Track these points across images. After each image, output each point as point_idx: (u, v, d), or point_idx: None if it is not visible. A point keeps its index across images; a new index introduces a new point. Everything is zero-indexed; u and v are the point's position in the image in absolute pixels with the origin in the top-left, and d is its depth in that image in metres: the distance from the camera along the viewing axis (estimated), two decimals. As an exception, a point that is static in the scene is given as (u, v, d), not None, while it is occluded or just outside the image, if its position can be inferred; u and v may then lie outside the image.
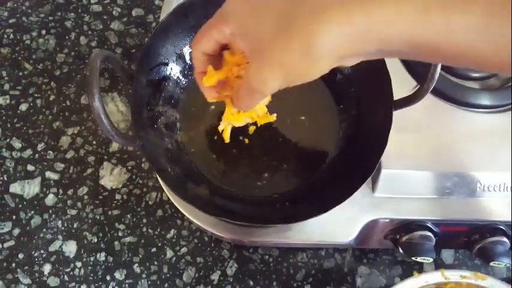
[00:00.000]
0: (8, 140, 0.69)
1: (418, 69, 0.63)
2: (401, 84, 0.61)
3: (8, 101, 0.72)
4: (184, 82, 0.58)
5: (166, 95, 0.56)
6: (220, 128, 0.51)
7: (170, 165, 0.51)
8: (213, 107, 0.58)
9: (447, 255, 0.65)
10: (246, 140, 0.55)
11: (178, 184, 0.49)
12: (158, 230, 0.64)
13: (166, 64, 0.55)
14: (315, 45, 0.29)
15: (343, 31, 0.28)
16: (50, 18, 0.77)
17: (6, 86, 0.73)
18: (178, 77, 0.57)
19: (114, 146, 0.69)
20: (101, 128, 0.41)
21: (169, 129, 0.55)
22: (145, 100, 0.52)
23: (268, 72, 0.32)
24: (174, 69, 0.56)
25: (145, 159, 0.66)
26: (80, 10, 0.78)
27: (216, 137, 0.56)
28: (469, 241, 0.59)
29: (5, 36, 0.76)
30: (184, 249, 0.64)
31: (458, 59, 0.28)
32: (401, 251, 0.57)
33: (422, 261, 0.57)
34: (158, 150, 0.51)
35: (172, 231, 0.64)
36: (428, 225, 0.57)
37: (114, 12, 0.78)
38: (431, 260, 0.57)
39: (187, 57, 0.57)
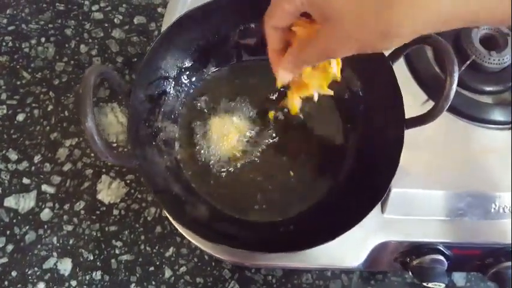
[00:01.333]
0: (3, 152, 0.67)
1: (429, 83, 0.60)
2: (411, 97, 0.59)
3: (4, 111, 0.69)
4: (184, 96, 0.55)
5: (166, 110, 0.53)
6: (288, 101, 0.48)
7: (168, 185, 0.48)
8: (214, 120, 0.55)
9: (458, 277, 0.62)
10: (250, 160, 0.52)
11: (177, 206, 0.46)
12: (157, 247, 0.62)
13: (167, 78, 0.53)
14: (393, 32, 0.29)
15: (428, 20, 0.29)
16: (50, 25, 0.75)
17: (3, 96, 0.70)
18: (178, 91, 0.54)
19: (113, 159, 0.66)
20: (94, 150, 0.38)
21: (169, 146, 0.52)
22: (143, 116, 0.49)
23: (342, 44, 0.32)
24: (174, 83, 0.53)
25: (143, 179, 0.63)
26: (80, 17, 0.76)
27: (216, 156, 0.53)
28: (482, 265, 0.56)
29: (4, 43, 0.74)
30: (183, 269, 0.61)
31: None
32: (411, 275, 0.54)
33: (433, 286, 0.54)
34: (156, 168, 0.48)
35: (171, 250, 0.62)
36: (440, 248, 0.54)
37: (115, 20, 0.75)
38: (443, 285, 0.53)
39: (188, 71, 0.54)
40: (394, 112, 0.47)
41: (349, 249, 0.54)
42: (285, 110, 0.55)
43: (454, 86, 0.43)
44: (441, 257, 0.53)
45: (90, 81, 0.37)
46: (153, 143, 0.50)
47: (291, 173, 0.53)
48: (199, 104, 0.55)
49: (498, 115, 0.60)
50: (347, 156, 0.54)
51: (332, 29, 0.32)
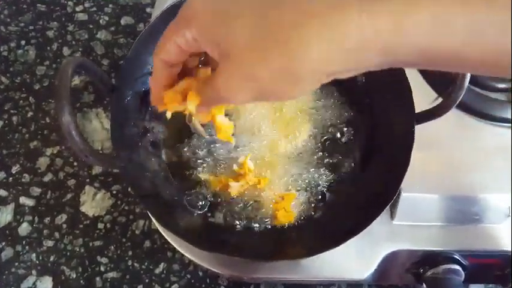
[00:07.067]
0: (-21, 162, 0.65)
1: (438, 79, 0.59)
2: (419, 95, 0.57)
3: (-20, 118, 0.68)
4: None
5: (154, 109, 0.51)
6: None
7: (157, 190, 0.46)
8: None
9: (476, 289, 0.60)
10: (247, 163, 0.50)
11: (166, 213, 0.44)
12: (146, 263, 0.60)
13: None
14: (296, 64, 0.26)
15: (333, 46, 0.25)
16: (31, 27, 0.74)
17: (-20, 102, 0.69)
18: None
19: (98, 168, 0.65)
20: (72, 147, 0.36)
21: (157, 148, 0.51)
22: (128, 114, 0.48)
23: (239, 86, 0.29)
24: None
25: (125, 182, 0.61)
26: (63, 19, 0.75)
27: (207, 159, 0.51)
28: (503, 275, 0.55)
29: (-19, 47, 0.73)
30: (175, 286, 0.59)
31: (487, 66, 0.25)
32: (425, 287, 0.53)
33: (450, 300, 0.52)
34: (143, 171, 0.47)
35: (161, 265, 0.60)
36: (455, 257, 0.53)
37: (101, 21, 0.75)
38: (460, 299, 0.52)
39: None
40: (403, 105, 0.47)
41: (356, 259, 0.53)
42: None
43: (468, 74, 0.42)
44: (457, 267, 0.52)
45: (67, 71, 0.36)
46: (140, 144, 0.48)
47: (292, 173, 0.51)
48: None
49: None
50: (353, 155, 0.53)
51: (230, 67, 0.29)
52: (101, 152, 0.65)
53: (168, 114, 0.38)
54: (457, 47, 0.24)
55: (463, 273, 0.52)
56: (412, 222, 0.53)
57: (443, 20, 0.23)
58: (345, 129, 0.54)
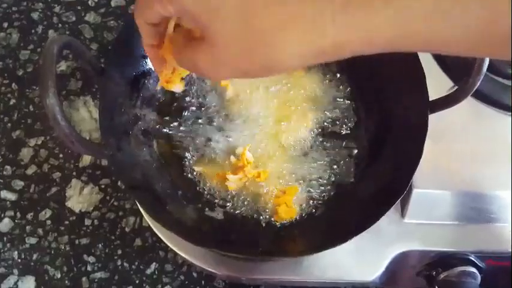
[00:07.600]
0: (-43, 153, 0.65)
1: (455, 66, 0.59)
2: (434, 83, 0.57)
3: (-41, 106, 0.67)
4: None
5: (145, 95, 0.51)
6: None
7: (148, 182, 0.46)
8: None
9: (492, 294, 0.59)
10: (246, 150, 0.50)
11: (157, 206, 0.44)
12: (136, 263, 0.60)
13: (147, 57, 0.50)
14: (275, 61, 0.31)
15: (308, 50, 0.30)
16: (14, 8, 0.74)
17: (-42, 88, 0.68)
18: (161, 74, 0.52)
19: (85, 160, 0.64)
20: (57, 132, 0.35)
21: (149, 137, 0.50)
22: (119, 100, 0.47)
23: (222, 70, 0.33)
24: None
25: (112, 172, 0.61)
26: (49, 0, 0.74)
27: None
28: None
29: (-40, 29, 0.72)
30: None
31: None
32: None
33: (465, 305, 0.52)
34: (133, 162, 0.46)
35: (153, 266, 0.60)
36: (471, 258, 0.53)
37: (89, 2, 0.75)
38: (476, 304, 0.52)
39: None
40: (415, 92, 0.47)
41: (362, 260, 0.53)
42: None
43: (487, 58, 0.42)
44: (473, 269, 0.52)
45: (52, 51, 0.36)
46: (130, 133, 0.48)
47: (294, 166, 0.50)
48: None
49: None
50: (361, 146, 0.53)
51: (210, 51, 0.32)
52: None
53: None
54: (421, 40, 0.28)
55: (479, 276, 0.52)
56: (424, 221, 0.53)
57: (405, 29, 0.28)
58: (353, 119, 0.54)
